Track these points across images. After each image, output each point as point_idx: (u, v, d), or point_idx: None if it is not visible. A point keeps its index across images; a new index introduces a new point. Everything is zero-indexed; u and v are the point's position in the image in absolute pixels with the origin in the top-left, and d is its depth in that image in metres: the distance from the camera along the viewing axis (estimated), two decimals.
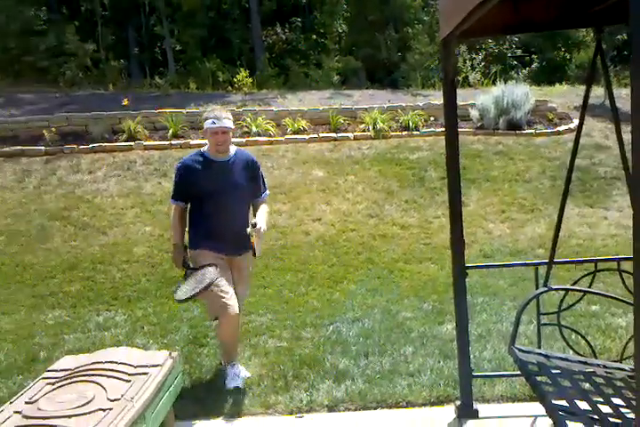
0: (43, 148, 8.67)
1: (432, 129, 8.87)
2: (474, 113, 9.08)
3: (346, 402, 3.32)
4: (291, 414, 3.26)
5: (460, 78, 11.81)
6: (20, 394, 2.57)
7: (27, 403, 2.44)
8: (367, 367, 3.72)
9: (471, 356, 3.70)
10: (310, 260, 5.96)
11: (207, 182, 3.57)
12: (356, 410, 3.27)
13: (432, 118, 9.12)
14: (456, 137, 2.91)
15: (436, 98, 10.12)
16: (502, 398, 3.24)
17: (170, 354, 2.90)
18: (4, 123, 9.13)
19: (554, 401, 2.17)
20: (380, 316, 4.65)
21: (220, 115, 3.56)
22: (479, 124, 9.07)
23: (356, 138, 8.88)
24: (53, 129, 8.97)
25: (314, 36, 17.03)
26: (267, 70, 14.25)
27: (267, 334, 4.39)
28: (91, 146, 8.73)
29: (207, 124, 3.54)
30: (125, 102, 9.63)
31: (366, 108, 9.38)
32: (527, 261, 3.92)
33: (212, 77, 13.05)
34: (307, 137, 8.85)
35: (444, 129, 9.09)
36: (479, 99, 9.13)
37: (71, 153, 8.63)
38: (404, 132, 8.94)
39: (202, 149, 3.72)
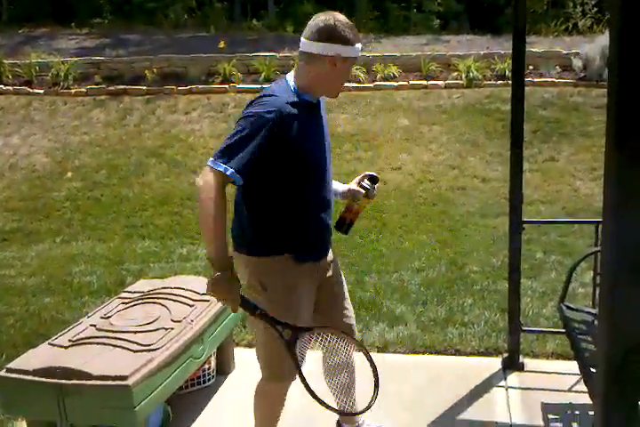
0: (144, 87, 9.10)
1: (529, 79, 8.40)
2: (577, 62, 8.48)
3: (396, 345, 3.47)
4: None
5: (569, 25, 10.97)
6: (97, 310, 2.92)
7: (101, 318, 2.77)
8: (422, 315, 3.82)
9: (529, 312, 3.73)
10: (385, 208, 6.02)
11: (317, 145, 2.24)
12: (404, 353, 3.41)
13: (531, 67, 8.62)
14: (522, 89, 2.82)
15: (540, 45, 9.52)
16: (552, 355, 3.25)
17: None
18: (110, 62, 9.64)
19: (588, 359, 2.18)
20: (445, 267, 4.69)
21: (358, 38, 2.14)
22: (582, 75, 8.48)
23: (447, 86, 8.61)
24: (155, 70, 9.36)
25: None
26: (366, 13, 13.91)
27: None
28: (188, 87, 9.06)
29: (348, 51, 2.11)
30: (222, 45, 9.83)
31: (461, 55, 9.01)
32: (589, 219, 3.79)
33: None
34: (396, 84, 8.68)
35: (542, 79, 8.56)
36: (584, 48, 8.49)
37: (170, 93, 9.01)
38: (499, 82, 8.54)
39: (290, 84, 2.18)
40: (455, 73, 8.76)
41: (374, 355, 3.36)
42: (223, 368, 3.20)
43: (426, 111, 8.03)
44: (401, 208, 5.99)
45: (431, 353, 3.38)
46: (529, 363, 3.14)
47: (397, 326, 3.66)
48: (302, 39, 2.16)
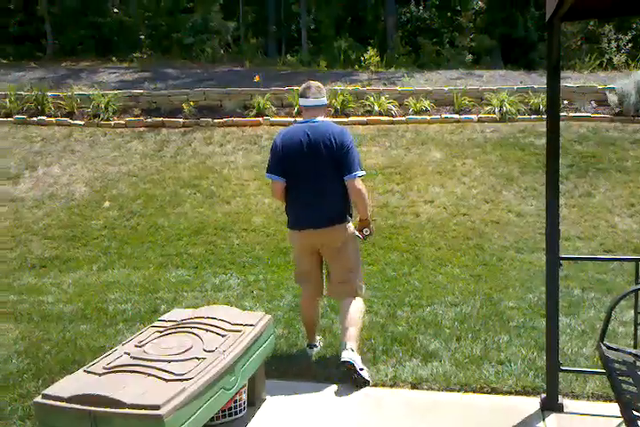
0: (181, 120, 9.34)
1: (564, 113, 8.37)
2: (612, 98, 8.43)
3: (429, 381, 3.39)
4: (375, 386, 3.39)
5: (604, 60, 10.95)
6: (131, 338, 2.94)
7: (136, 346, 2.79)
8: (457, 351, 3.75)
9: (569, 350, 3.62)
10: (418, 241, 6.00)
11: None
12: (438, 390, 3.33)
13: (565, 102, 8.60)
14: (557, 124, 2.81)
15: (573, 80, 9.51)
16: (592, 396, 3.14)
17: (263, 316, 3.13)
18: (149, 95, 9.94)
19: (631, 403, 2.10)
20: (480, 302, 4.61)
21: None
22: (617, 110, 8.41)
23: (480, 120, 8.63)
24: (192, 102, 9.61)
25: (449, 14, 16.54)
26: (398, 49, 14.14)
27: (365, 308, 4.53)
28: (223, 120, 9.27)
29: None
30: (257, 79, 10.07)
31: (494, 90, 9.05)
32: (629, 256, 3.70)
33: (343, 56, 13.20)
34: (428, 117, 8.74)
35: (576, 114, 8.53)
36: (619, 83, 8.45)
37: (206, 126, 9.22)
38: (533, 116, 8.53)
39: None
40: (488, 107, 8.78)
41: (407, 391, 3.32)
42: (255, 400, 3.17)
43: (458, 145, 8.04)
44: (434, 241, 5.95)
45: (466, 391, 3.30)
46: (569, 404, 3.03)
47: (431, 362, 3.59)
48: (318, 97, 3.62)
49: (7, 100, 9.55)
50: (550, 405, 3.01)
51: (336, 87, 9.57)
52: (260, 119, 9.16)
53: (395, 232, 6.19)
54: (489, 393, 3.26)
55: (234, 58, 14.25)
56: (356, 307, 3.52)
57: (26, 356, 3.88)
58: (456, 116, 8.76)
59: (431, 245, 5.89)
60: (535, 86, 9.13)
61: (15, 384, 3.47)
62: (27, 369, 3.67)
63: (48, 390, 2.50)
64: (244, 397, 3.06)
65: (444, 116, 8.78)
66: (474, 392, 3.29)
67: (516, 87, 9.19)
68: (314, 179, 3.44)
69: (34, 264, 5.97)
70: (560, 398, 3.02)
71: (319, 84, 3.70)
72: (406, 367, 3.53)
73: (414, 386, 3.37)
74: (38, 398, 2.46)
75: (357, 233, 3.65)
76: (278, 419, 3.08)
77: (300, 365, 3.59)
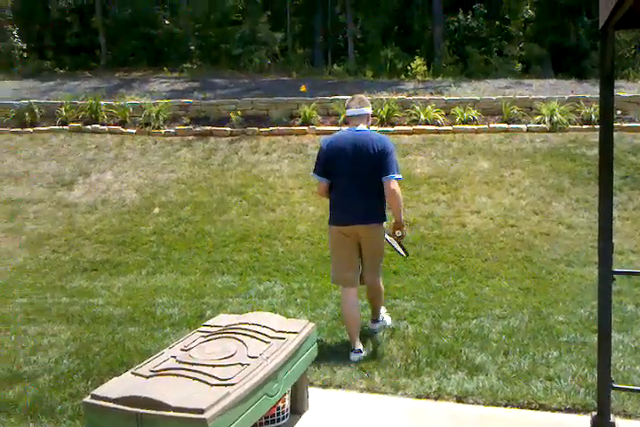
0: (228, 129, 9.51)
1: (617, 124, 8.12)
2: None
3: (475, 395, 3.32)
4: (419, 398, 3.34)
5: None
6: (177, 342, 2.98)
7: (182, 350, 2.83)
8: (504, 365, 3.65)
9: (621, 367, 3.49)
10: (463, 252, 5.90)
11: None
12: (484, 405, 3.26)
13: (619, 112, 8.35)
14: (611, 134, 2.72)
15: (627, 89, 9.25)
16: None
17: (307, 324, 3.13)
18: (198, 105, 10.17)
19: None
20: (528, 316, 4.50)
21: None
22: None
23: (529, 130, 8.47)
24: (239, 112, 9.78)
25: (497, 23, 16.35)
26: (445, 58, 14.05)
27: (408, 319, 4.48)
28: (269, 129, 9.38)
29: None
30: (303, 89, 10.17)
31: (544, 99, 8.88)
32: None
33: (389, 65, 13.20)
34: (476, 127, 8.64)
35: (630, 124, 8.30)
36: None
37: (252, 134, 9.35)
38: (585, 126, 8.32)
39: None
40: (538, 117, 8.61)
41: (452, 404, 3.26)
42: (297, 407, 3.16)
43: (507, 155, 7.90)
44: (480, 252, 5.84)
45: (513, 406, 3.21)
46: (621, 423, 2.91)
47: (477, 376, 3.51)
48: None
49: (63, 108, 9.92)
50: (601, 423, 2.88)
51: (382, 97, 9.57)
52: (306, 128, 9.23)
53: (440, 243, 6.11)
54: (537, 409, 3.17)
55: (281, 68, 14.45)
56: (379, 291, 4.12)
57: (76, 357, 3.98)
58: (504, 125, 8.63)
59: (477, 256, 5.79)
60: (587, 96, 8.92)
61: (65, 384, 3.57)
62: (77, 370, 3.77)
63: (97, 391, 2.55)
64: (287, 404, 3.06)
65: (491, 125, 8.66)
66: (521, 408, 3.19)
67: (567, 97, 9.00)
68: (354, 179, 3.81)
69: (86, 268, 6.15)
70: (612, 416, 2.90)
71: (362, 96, 4.16)
72: (451, 380, 3.47)
73: (459, 399, 3.30)
74: (87, 399, 2.52)
75: (388, 237, 3.97)
76: None
77: (343, 374, 3.57)
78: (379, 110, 9.02)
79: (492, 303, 4.79)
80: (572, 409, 3.13)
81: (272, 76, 13.25)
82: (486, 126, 8.64)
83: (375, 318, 4.24)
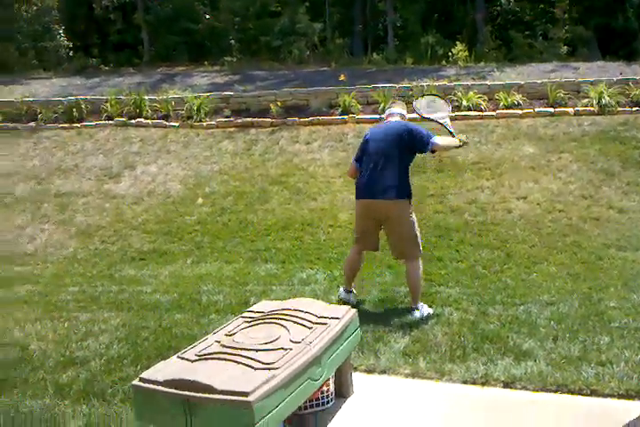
0: (269, 119, 9.54)
1: None
2: None
3: (523, 381, 3.25)
4: (464, 383, 3.29)
5: None
6: (222, 327, 3.02)
7: (226, 335, 2.86)
8: (553, 351, 3.57)
9: None
10: (509, 238, 5.78)
11: None
12: (533, 390, 3.19)
13: None
14: None
15: None
16: None
17: (349, 310, 3.12)
18: (239, 97, 10.24)
19: None
20: (578, 302, 4.37)
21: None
22: None
23: (576, 113, 8.20)
24: (279, 103, 9.79)
25: (541, 6, 15.85)
26: (488, 43, 13.72)
27: (453, 306, 4.42)
28: (309, 119, 9.37)
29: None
30: (342, 78, 10.10)
31: (592, 82, 8.58)
32: None
33: (430, 52, 12.98)
34: (520, 112, 8.41)
35: None
36: None
37: (292, 125, 9.36)
38: (635, 108, 8.01)
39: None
40: (585, 100, 8.34)
41: (499, 390, 3.20)
42: (342, 392, 3.16)
43: (553, 139, 7.67)
44: (527, 238, 5.71)
45: (563, 392, 3.13)
46: None
47: (525, 362, 3.43)
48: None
49: (108, 104, 10.15)
50: None
51: (422, 84, 9.42)
52: (346, 117, 9.18)
53: (485, 229, 6.00)
54: (588, 395, 3.08)
55: (320, 58, 14.39)
56: (414, 268, 4.30)
57: (126, 342, 4.09)
58: (550, 109, 8.38)
59: (524, 242, 5.66)
60: (637, 77, 8.58)
61: (116, 368, 3.67)
62: (126, 354, 3.87)
63: (144, 374, 2.61)
64: (332, 388, 3.06)
65: (537, 109, 8.42)
66: (571, 394, 3.11)
67: (615, 79, 8.68)
68: (380, 159, 4.28)
69: (133, 257, 6.30)
70: None
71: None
72: (498, 366, 3.40)
73: (507, 385, 3.24)
74: (136, 381, 2.58)
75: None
76: (365, 412, 3.06)
77: (387, 360, 3.55)
78: (420, 98, 8.88)
79: (539, 289, 4.67)
80: (625, 395, 3.03)
81: (311, 66, 13.21)
82: (531, 111, 8.41)
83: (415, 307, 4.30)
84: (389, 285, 4.91)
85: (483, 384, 3.27)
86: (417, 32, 15.66)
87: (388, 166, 4.25)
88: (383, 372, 3.44)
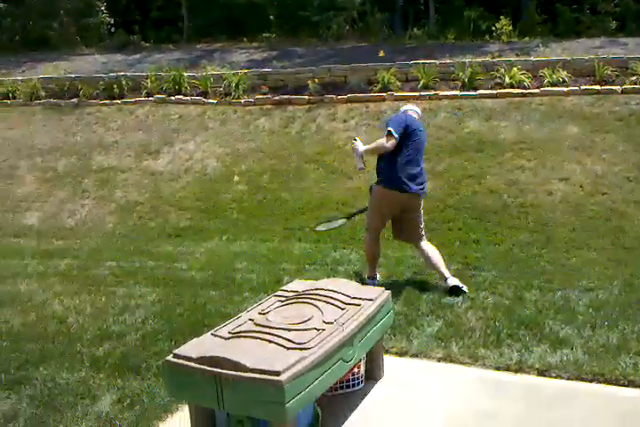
0: (306, 97, 9.43)
1: None
2: None
3: (558, 369, 3.18)
4: (497, 369, 3.25)
5: None
6: (255, 305, 3.04)
7: (259, 313, 2.88)
8: (591, 339, 3.48)
9: None
10: (549, 221, 5.64)
11: None
12: (568, 379, 3.12)
13: None
14: None
15: None
16: None
17: (382, 291, 3.10)
18: (276, 74, 10.15)
19: None
20: (618, 289, 4.25)
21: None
22: None
23: (624, 91, 7.85)
24: (316, 80, 9.66)
25: None
26: (532, 17, 13.21)
27: (488, 290, 4.36)
28: (347, 96, 9.24)
29: None
30: (381, 54, 9.91)
31: None
32: None
33: (473, 26, 12.58)
34: (565, 89, 8.11)
35: None
36: None
37: (330, 102, 9.25)
38: None
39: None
40: (634, 77, 7.97)
41: (534, 378, 3.15)
42: (372, 374, 3.16)
43: (599, 118, 7.39)
44: (568, 222, 5.56)
45: (599, 382, 3.06)
46: None
47: (561, 349, 3.36)
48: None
49: (148, 80, 10.20)
50: None
51: (464, 60, 9.17)
52: (384, 95, 9.01)
53: (524, 211, 5.86)
54: (625, 386, 3.00)
55: (359, 34, 14.13)
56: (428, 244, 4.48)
57: (161, 317, 4.17)
58: (597, 87, 8.05)
59: (564, 225, 5.51)
60: None
61: (150, 343, 3.75)
62: (161, 330, 3.95)
63: (178, 350, 2.65)
64: (362, 370, 3.06)
65: (582, 87, 8.11)
66: (608, 383, 3.04)
67: None
68: (419, 154, 4.40)
69: (170, 233, 6.41)
70: None
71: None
72: (533, 353, 3.34)
73: (541, 373, 3.18)
74: (169, 357, 2.62)
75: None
76: (396, 395, 3.05)
77: (419, 343, 3.53)
78: (460, 74, 8.66)
79: (579, 275, 4.56)
80: None
81: (350, 42, 12.99)
82: (577, 88, 8.09)
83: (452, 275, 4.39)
84: (423, 267, 4.86)
85: (516, 371, 3.22)
86: (459, 6, 15.18)
87: (421, 161, 4.42)
88: (415, 355, 3.42)
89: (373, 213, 4.54)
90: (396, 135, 4.28)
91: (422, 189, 4.41)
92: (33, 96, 10.56)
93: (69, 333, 4.01)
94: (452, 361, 3.34)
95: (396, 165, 4.30)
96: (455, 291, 4.23)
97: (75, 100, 10.30)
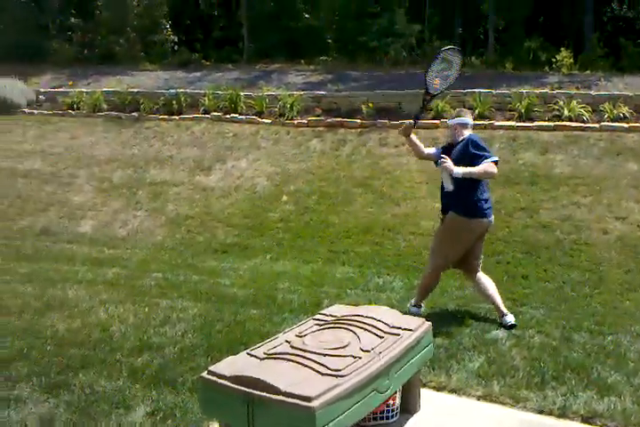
0: (359, 121, 9.48)
1: None
2: None
3: (604, 418, 3.02)
4: (539, 413, 3.11)
5: None
6: (293, 327, 3.02)
7: (296, 336, 2.85)
8: None
9: None
10: (603, 261, 5.43)
11: None
12: None
13: None
14: None
15: None
16: None
17: (423, 322, 3.03)
18: (330, 97, 10.26)
19: None
20: None
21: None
22: None
23: None
24: (370, 104, 9.72)
25: None
26: (595, 50, 12.97)
27: (535, 328, 4.20)
28: (400, 122, 9.22)
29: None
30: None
31: None
32: None
33: (532, 57, 12.45)
34: (627, 125, 7.87)
35: None
36: None
37: (382, 127, 9.26)
38: None
39: None
40: None
41: (578, 424, 2.99)
42: (408, 407, 3.07)
43: None
44: (623, 262, 5.34)
45: None
46: None
47: (608, 397, 3.20)
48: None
49: (206, 98, 10.48)
50: None
51: (522, 90, 9.05)
52: (438, 122, 8.97)
53: (577, 248, 5.67)
54: None
55: (416, 60, 14.16)
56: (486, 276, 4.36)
57: (200, 332, 4.20)
58: None
59: (619, 266, 5.29)
60: None
61: (188, 358, 3.77)
62: (199, 345, 3.97)
63: (213, 368, 2.65)
64: (398, 403, 2.98)
65: None
66: None
67: None
68: None
69: (216, 249, 6.48)
70: None
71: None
72: (579, 398, 3.19)
73: (586, 420, 3.03)
74: (204, 374, 2.62)
75: None
76: None
77: (459, 379, 3.42)
78: (517, 104, 8.54)
79: (632, 319, 4.35)
80: None
81: (406, 68, 13.02)
82: (638, 125, 7.86)
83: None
84: (469, 300, 4.74)
85: (559, 416, 3.08)
86: (519, 36, 15.08)
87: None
88: (453, 391, 3.32)
89: (454, 246, 4.25)
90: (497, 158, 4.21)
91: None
92: (96, 108, 11.02)
93: (111, 341, 4.08)
94: (491, 400, 3.23)
95: (484, 190, 4.24)
96: (509, 328, 4.14)
97: (135, 113, 10.67)
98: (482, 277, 4.32)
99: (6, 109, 11.46)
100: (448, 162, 4.08)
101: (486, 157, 4.08)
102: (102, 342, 4.05)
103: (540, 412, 3.11)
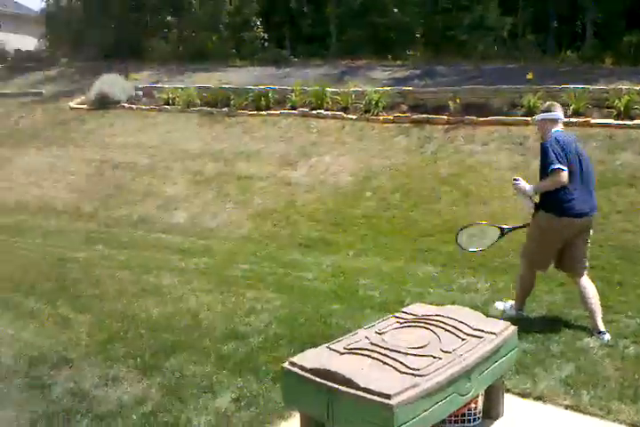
0: (445, 117, 9.30)
1: None
2: None
3: None
4: (632, 426, 2.97)
5: None
6: (373, 324, 3.04)
7: (376, 332, 2.88)
8: None
9: None
10: None
11: None
12: None
13: None
14: None
15: None
16: None
17: (508, 326, 2.96)
18: (417, 92, 10.14)
19: None
20: None
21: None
22: None
23: None
24: (458, 100, 9.49)
25: None
26: None
27: (630, 338, 3.98)
28: (488, 118, 8.98)
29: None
30: (529, 76, 9.53)
31: None
32: None
33: (633, 51, 11.71)
34: None
35: None
36: None
37: (469, 123, 9.04)
38: None
39: None
40: None
41: None
42: (490, 412, 3.02)
43: None
44: None
45: None
46: None
47: None
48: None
49: (293, 94, 10.67)
50: None
51: (621, 86, 8.55)
52: (529, 119, 8.65)
53: None
54: None
55: (506, 54, 13.69)
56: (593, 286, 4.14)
57: (284, 324, 4.31)
58: None
59: None
60: None
61: (271, 348, 3.89)
62: (283, 336, 4.08)
63: (294, 359, 2.72)
64: (480, 407, 2.94)
65: None
66: None
67: None
68: (589, 175, 4.15)
69: (300, 243, 6.62)
70: None
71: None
72: None
73: None
74: (286, 364, 2.70)
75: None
76: None
77: (546, 386, 3.32)
78: (616, 101, 8.09)
79: None
80: None
81: (496, 63, 12.61)
82: None
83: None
84: (559, 305, 4.57)
85: None
86: (619, 30, 14.21)
87: (592, 181, 4.18)
88: (539, 398, 3.23)
89: (539, 246, 4.20)
90: (564, 168, 3.94)
91: (596, 210, 4.25)
92: (189, 103, 11.47)
93: (200, 328, 4.27)
94: (580, 411, 3.11)
95: (571, 189, 4.01)
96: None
97: (225, 109, 11.03)
98: (586, 284, 4.12)
99: (108, 104, 12.20)
100: (520, 182, 4.11)
101: (550, 167, 3.96)
102: (192, 329, 4.25)
103: (633, 425, 2.97)
